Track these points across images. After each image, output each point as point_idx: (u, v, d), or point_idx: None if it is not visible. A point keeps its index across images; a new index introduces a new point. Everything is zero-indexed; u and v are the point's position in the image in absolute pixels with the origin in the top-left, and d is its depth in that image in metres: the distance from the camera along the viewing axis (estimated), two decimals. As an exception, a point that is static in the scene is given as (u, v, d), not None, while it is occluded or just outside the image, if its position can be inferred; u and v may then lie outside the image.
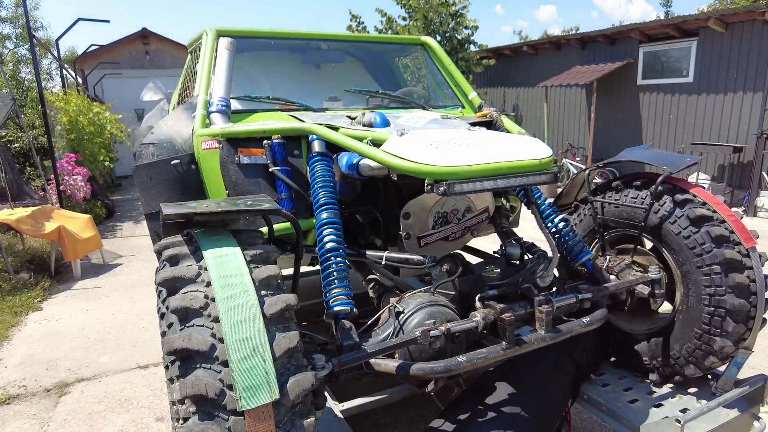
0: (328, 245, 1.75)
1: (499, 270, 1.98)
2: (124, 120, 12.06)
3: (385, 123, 2.10)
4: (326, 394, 2.25)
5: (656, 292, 2.14)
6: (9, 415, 3.20)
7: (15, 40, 16.59)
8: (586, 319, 1.84)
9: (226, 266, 1.25)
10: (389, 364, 1.53)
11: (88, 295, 5.41)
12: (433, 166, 1.58)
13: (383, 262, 1.95)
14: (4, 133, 9.59)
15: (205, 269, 1.27)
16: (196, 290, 1.23)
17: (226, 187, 2.11)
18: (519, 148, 1.79)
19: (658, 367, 2.22)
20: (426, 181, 1.58)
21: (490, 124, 2.40)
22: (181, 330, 1.16)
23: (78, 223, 6.29)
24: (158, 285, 1.31)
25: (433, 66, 3.34)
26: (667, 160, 2.19)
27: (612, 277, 2.21)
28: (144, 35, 17.67)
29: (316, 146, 2.04)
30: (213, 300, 1.20)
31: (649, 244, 2.31)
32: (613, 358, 2.50)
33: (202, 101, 2.37)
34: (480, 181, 1.61)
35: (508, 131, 2.35)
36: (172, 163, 2.22)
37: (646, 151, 2.35)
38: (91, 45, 13.49)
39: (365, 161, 1.87)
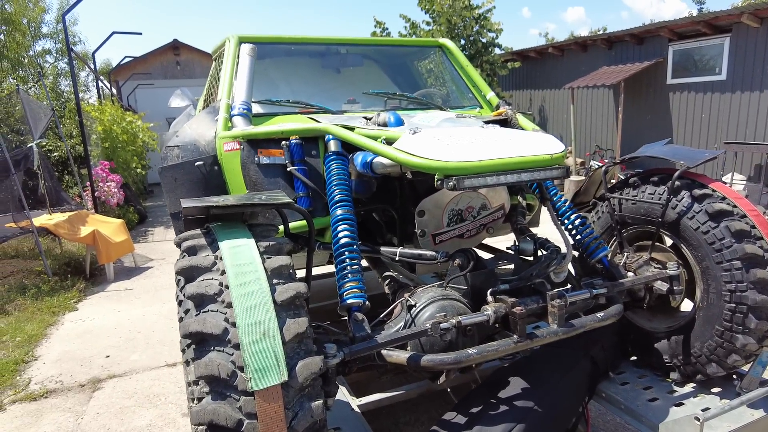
0: (342, 240, 1.80)
1: (512, 266, 1.99)
2: (155, 128, 12.49)
3: (399, 122, 2.14)
4: (344, 389, 2.29)
5: (675, 288, 2.10)
6: (46, 408, 3.36)
7: (55, 54, 17.38)
8: (600, 315, 1.83)
9: (240, 256, 1.31)
10: (400, 356, 1.56)
11: (120, 297, 5.62)
12: (442, 161, 1.61)
13: (397, 258, 1.98)
14: (44, 143, 10.04)
15: (221, 259, 1.33)
16: (212, 278, 1.30)
17: (247, 187, 2.19)
18: (530, 143, 1.80)
19: (679, 366, 2.18)
20: (436, 176, 1.61)
21: (504, 122, 2.41)
22: (196, 315, 1.23)
23: (111, 228, 6.54)
24: (176, 274, 1.39)
25: (450, 67, 3.37)
26: (685, 155, 2.15)
27: (629, 274, 2.19)
28: (175, 46, 18.24)
29: (332, 146, 2.10)
30: (227, 287, 1.26)
31: (669, 241, 2.28)
32: (633, 357, 2.46)
33: (224, 105, 2.46)
34: (489, 176, 1.63)
35: (522, 128, 2.36)
36: (196, 164, 2.31)
37: (663, 146, 2.32)
38: (125, 57, 14.02)
39: (379, 159, 1.92)
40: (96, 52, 10.61)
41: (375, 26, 12.99)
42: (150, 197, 14.24)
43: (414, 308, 1.70)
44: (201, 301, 1.27)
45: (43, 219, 6.15)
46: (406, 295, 1.80)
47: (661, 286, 2.13)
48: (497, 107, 3.03)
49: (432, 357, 1.54)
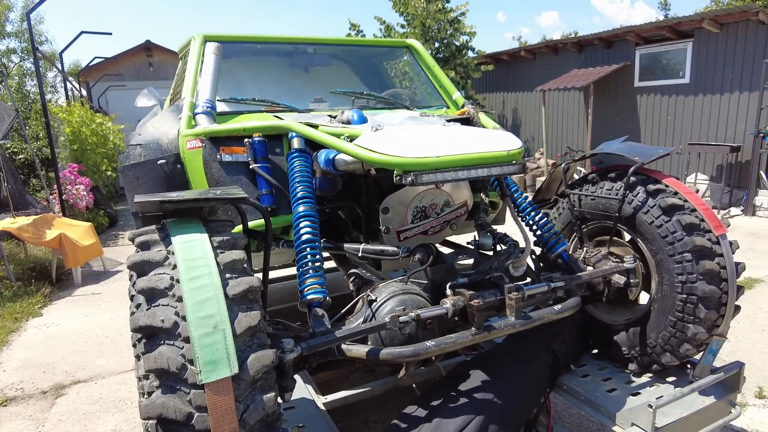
0: (304, 237, 1.80)
1: (471, 260, 2.02)
2: (126, 130, 12.24)
3: (363, 120, 2.16)
4: (310, 387, 2.29)
5: (631, 281, 2.17)
6: (5, 417, 3.26)
7: (21, 54, 16.87)
8: (557, 307, 1.88)
9: (192, 250, 1.31)
10: (359, 350, 1.57)
11: (87, 301, 5.49)
12: (401, 157, 1.63)
13: (359, 254, 1.99)
14: (8, 145, 9.74)
15: (173, 253, 1.33)
16: (163, 272, 1.29)
17: (209, 185, 2.17)
18: (489, 140, 1.84)
19: (637, 357, 2.25)
20: (395, 172, 1.63)
21: (467, 121, 2.45)
22: (147, 309, 1.22)
23: (79, 231, 6.38)
24: (129, 269, 1.38)
25: (418, 67, 3.41)
26: (640, 152, 2.23)
27: (588, 268, 2.25)
28: (148, 47, 17.95)
29: (295, 143, 2.10)
30: (178, 281, 1.25)
31: (627, 237, 2.35)
32: (594, 350, 2.52)
33: (188, 103, 2.44)
34: (446, 172, 1.66)
35: (483, 127, 2.40)
36: (159, 162, 2.28)
37: (621, 144, 2.40)
38: (95, 58, 13.71)
39: (341, 156, 1.93)
40: (63, 52, 10.35)
41: (350, 28, 13.01)
42: (122, 200, 13.94)
43: (375, 303, 1.71)
44: (152, 296, 1.26)
45: (5, 223, 5.97)
46: (368, 290, 1.81)
47: (619, 280, 2.19)
48: (462, 106, 3.08)
49: (390, 350, 1.56)
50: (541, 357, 2.10)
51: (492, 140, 1.85)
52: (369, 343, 1.70)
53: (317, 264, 1.76)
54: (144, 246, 1.41)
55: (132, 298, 1.32)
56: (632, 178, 2.18)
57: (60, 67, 10.10)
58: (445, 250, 2.31)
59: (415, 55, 3.43)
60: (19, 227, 5.73)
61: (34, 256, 6.81)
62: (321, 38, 3.26)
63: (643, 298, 2.35)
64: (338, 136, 2.00)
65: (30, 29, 7.76)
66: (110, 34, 10.51)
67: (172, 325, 1.18)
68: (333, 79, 3.44)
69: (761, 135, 8.15)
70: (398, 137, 1.78)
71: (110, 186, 12.40)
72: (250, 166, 2.13)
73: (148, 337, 1.20)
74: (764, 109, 8.22)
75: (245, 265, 1.37)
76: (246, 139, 2.16)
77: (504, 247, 2.02)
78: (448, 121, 2.36)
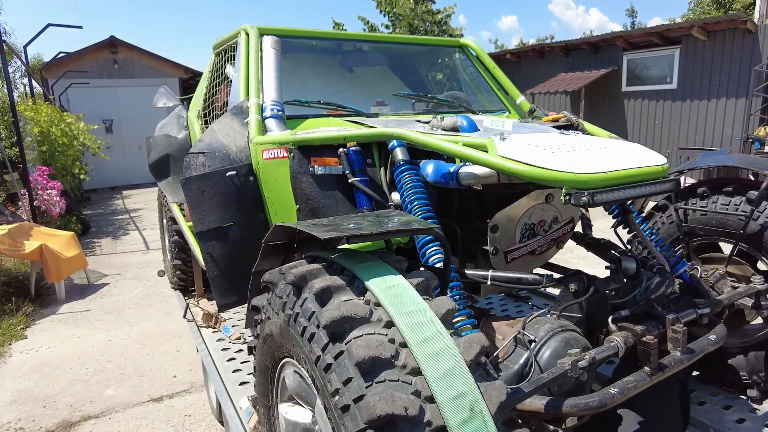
0: (438, 266, 1.53)
1: (617, 287, 1.80)
2: (94, 131, 11.47)
3: (474, 127, 1.90)
4: None
5: (762, 303, 1.99)
6: (9, 464, 2.81)
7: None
8: (712, 337, 1.68)
9: (403, 301, 1.00)
10: (535, 403, 1.31)
11: (77, 320, 4.97)
12: (569, 173, 1.39)
13: (488, 282, 1.73)
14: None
15: (377, 305, 1.02)
16: (374, 332, 0.97)
17: (297, 201, 1.87)
18: (638, 154, 1.63)
19: (759, 383, 2.08)
20: (564, 190, 1.39)
21: (569, 128, 2.23)
22: (369, 387, 0.90)
23: (60, 241, 5.82)
24: (322, 328, 1.04)
25: (473, 69, 3.17)
26: (763, 164, 2.06)
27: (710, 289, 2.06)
28: (112, 43, 17.01)
29: (399, 154, 1.83)
30: (403, 345, 0.95)
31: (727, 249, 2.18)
32: (696, 372, 2.35)
33: (254, 105, 2.11)
34: (618, 190, 1.43)
35: (593, 135, 2.18)
36: (228, 174, 1.95)
37: (732, 155, 2.23)
38: (60, 53, 12.83)
39: (469, 169, 1.67)
40: (28, 45, 9.57)
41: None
42: (88, 205, 13.12)
43: (534, 343, 1.46)
44: (371, 368, 0.94)
45: (-22, 233, 5.36)
46: (516, 327, 1.55)
47: (746, 301, 2.02)
48: (531, 112, 2.86)
49: (576, 402, 1.31)
50: (673, 388, 1.90)
51: (639, 154, 1.63)
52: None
53: (459, 298, 1.49)
54: (325, 295, 1.09)
55: (328, 368, 0.98)
56: (755, 193, 2.01)
57: (24, 60, 9.30)
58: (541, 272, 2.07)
59: (469, 55, 3.20)
60: (-6, 239, 5.15)
61: (6, 269, 6.17)
62: (369, 35, 2.98)
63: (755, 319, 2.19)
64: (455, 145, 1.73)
65: (-4, 19, 7.05)
66: (80, 27, 9.78)
67: (418, 411, 0.88)
68: (375, 80, 3.16)
69: (749, 140, 8.37)
70: (540, 148, 1.54)
71: (76, 190, 11.60)
72: (349, 180, 1.84)
73: (382, 428, 0.88)
74: (752, 115, 8.44)
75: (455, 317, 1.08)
76: (341, 149, 1.87)
77: (654, 273, 1.80)
78: (557, 128, 2.13)
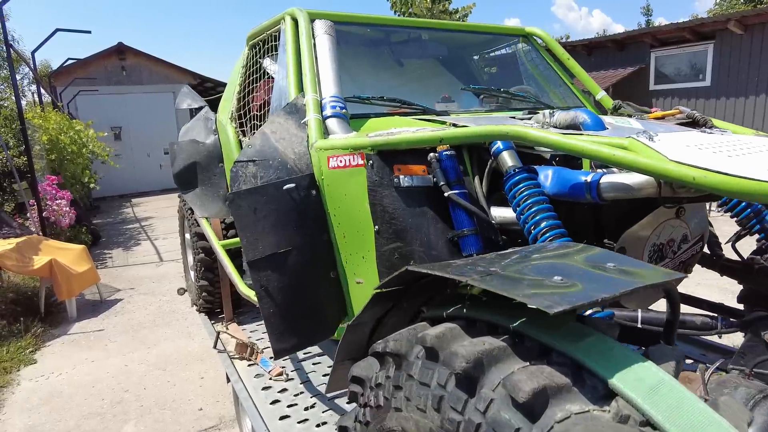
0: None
1: None
2: (102, 138, 11.17)
3: (599, 125, 1.49)
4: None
5: None
6: None
7: (-18, 55, 15.32)
8: None
9: (686, 414, 0.60)
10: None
11: (90, 342, 4.60)
12: None
13: (639, 324, 1.34)
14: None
15: (643, 425, 0.61)
16: None
17: (375, 221, 1.48)
18: None
19: None
20: None
21: (694, 125, 1.82)
22: None
23: (71, 255, 5.46)
24: None
25: (540, 60, 2.78)
26: None
27: None
28: (120, 50, 16.81)
29: (510, 159, 1.44)
30: None
31: None
32: None
33: (312, 102, 1.73)
34: None
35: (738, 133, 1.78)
36: (285, 188, 1.56)
37: None
38: (68, 59, 12.58)
39: (616, 179, 1.27)
40: (36, 51, 9.28)
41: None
42: (97, 214, 12.82)
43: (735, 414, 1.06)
44: None
45: (-17, 248, 5.01)
46: (698, 388, 1.15)
47: None
48: (616, 108, 2.46)
49: None
50: None
51: None
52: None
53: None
54: (538, 401, 0.67)
55: None
56: None
57: (32, 67, 9.01)
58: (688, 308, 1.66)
59: (536, 45, 2.81)
60: (0, 254, 4.79)
61: (14, 284, 5.83)
62: (432, 22, 2.59)
63: None
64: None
65: (2, 22, 6.76)
66: (89, 32, 9.47)
67: None
68: (426, 73, 2.77)
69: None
70: (721, 151, 1.15)
71: (85, 199, 11.29)
72: (446, 194, 1.44)
73: None
74: (796, 112, 7.99)
75: None
76: (431, 155, 1.48)
77: None
78: (680, 125, 1.73)
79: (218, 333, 2.72)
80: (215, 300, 3.20)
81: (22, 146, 8.55)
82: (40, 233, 6.37)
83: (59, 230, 7.54)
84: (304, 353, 2.67)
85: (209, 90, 21.67)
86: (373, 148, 1.49)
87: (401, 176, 1.46)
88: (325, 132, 1.68)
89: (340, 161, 1.54)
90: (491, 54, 3.02)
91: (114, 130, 16.46)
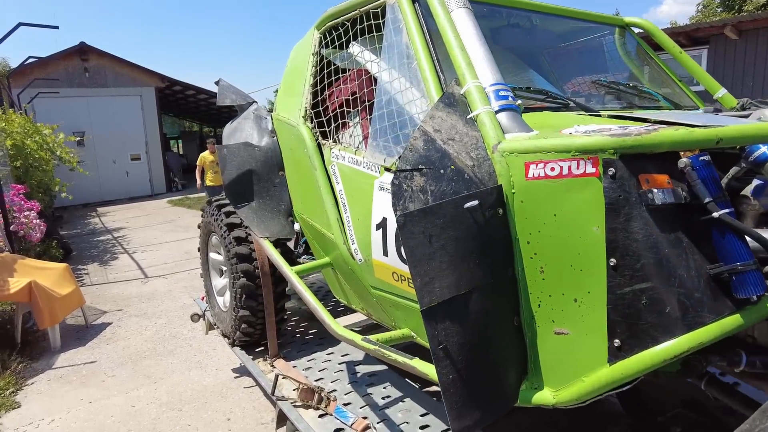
0: None
1: None
2: (67, 144, 10.29)
3: None
4: None
5: None
6: None
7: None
8: None
9: None
10: None
11: (82, 377, 3.97)
12: None
13: None
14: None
15: None
16: None
17: (612, 253, 1.08)
18: None
19: None
20: None
21: None
22: None
23: (52, 276, 4.79)
24: None
25: (640, 54, 2.46)
26: None
27: None
28: (82, 50, 15.82)
29: None
30: None
31: None
32: None
33: (477, 91, 1.31)
34: None
35: None
36: (467, 206, 1.14)
37: None
38: (29, 57, 11.59)
39: None
40: (-4, 47, 8.41)
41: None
42: (62, 225, 11.87)
43: None
44: None
45: (-51, 270, 4.31)
46: None
47: None
48: (743, 107, 2.16)
49: None
50: None
51: None
52: None
53: None
54: None
55: None
56: None
57: (-6, 66, 8.11)
58: None
59: (635, 37, 2.49)
60: (-28, 277, 4.11)
61: (-19, 310, 5.10)
62: (538, 4, 2.22)
63: None
64: None
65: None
66: (56, 27, 8.63)
67: None
68: (528, 60, 2.40)
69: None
70: None
71: (47, 209, 10.35)
72: (716, 214, 1.06)
73: None
74: (793, 116, 8.07)
75: None
76: (683, 160, 1.09)
77: None
78: None
79: (277, 377, 2.24)
80: (256, 332, 2.71)
81: (-18, 152, 7.68)
82: (9, 251, 5.62)
83: (28, 245, 6.76)
84: (385, 397, 2.23)
85: (178, 93, 20.72)
86: (615, 151, 1.08)
87: (653, 190, 1.06)
88: (503, 131, 1.27)
89: (550, 169, 1.13)
90: (576, 43, 2.68)
91: (77, 135, 15.41)
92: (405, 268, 1.57)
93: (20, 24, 8.77)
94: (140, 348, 4.45)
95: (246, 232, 2.54)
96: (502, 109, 1.31)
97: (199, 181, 9.06)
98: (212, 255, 3.06)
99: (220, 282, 3.03)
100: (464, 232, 1.14)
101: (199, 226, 3.17)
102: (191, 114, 29.15)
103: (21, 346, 4.48)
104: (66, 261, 7.98)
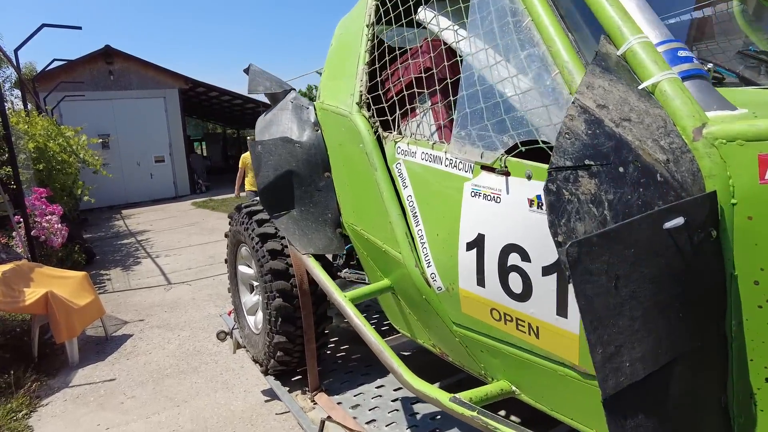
0: None
1: None
2: (92, 146, 10.13)
3: None
4: None
5: None
6: None
7: (-43, 56, 14.01)
8: None
9: None
10: None
11: (100, 397, 3.64)
12: None
13: None
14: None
15: None
16: None
17: None
18: None
19: None
20: None
21: None
22: None
23: (70, 285, 4.50)
24: None
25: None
26: None
27: None
28: (107, 53, 15.79)
29: None
30: None
31: None
32: None
33: (647, 50, 0.89)
34: None
35: None
36: (668, 226, 0.71)
37: None
38: (54, 60, 11.52)
39: None
40: (20, 48, 8.27)
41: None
42: (86, 227, 11.76)
43: None
44: None
45: (-38, 280, 4.04)
46: None
47: None
48: None
49: None
50: None
51: None
52: None
53: None
54: None
55: None
56: None
57: (15, 64, 7.98)
58: None
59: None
60: (-16, 288, 3.82)
61: (-1, 319, 4.84)
62: None
63: None
64: None
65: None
66: (79, 28, 8.49)
67: None
68: None
69: None
70: None
71: (72, 212, 10.21)
72: None
73: None
74: None
75: None
76: None
77: None
78: None
79: (323, 421, 1.83)
80: (293, 360, 2.32)
81: (5, 155, 7.52)
82: (29, 257, 5.37)
83: (50, 251, 6.54)
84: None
85: (201, 95, 20.65)
86: None
87: None
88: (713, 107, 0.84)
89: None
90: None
91: (103, 138, 15.35)
92: (513, 305, 1.15)
93: (44, 25, 8.63)
94: (162, 364, 4.11)
95: (282, 244, 2.14)
96: (687, 76, 0.88)
97: (237, 187, 7.56)
98: (241, 268, 2.68)
99: (250, 299, 2.64)
100: (665, 269, 0.71)
101: (226, 235, 2.79)
102: (215, 116, 29.17)
103: (38, 360, 4.19)
104: (89, 266, 7.77)
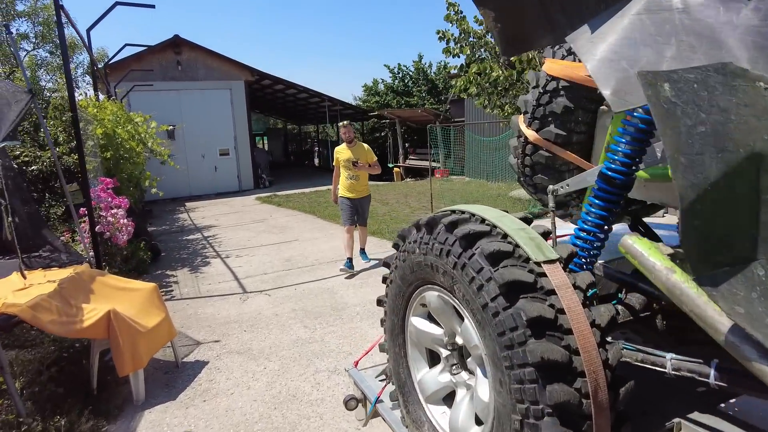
0: None
1: None
2: (159, 135, 9.54)
3: None
4: None
5: None
6: None
7: (34, 41, 13.94)
8: None
9: None
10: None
11: (173, 464, 2.69)
12: None
13: None
14: (17, 148, 7.00)
15: None
16: None
17: None
18: None
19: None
20: None
21: None
22: None
23: (136, 301, 3.62)
24: None
25: None
26: None
27: None
28: (176, 43, 15.45)
29: None
30: None
31: None
32: None
33: None
34: None
35: None
36: None
37: None
38: (125, 45, 11.07)
39: None
40: (92, 28, 7.70)
41: (447, 8, 10.38)
42: (151, 220, 11.26)
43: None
44: None
45: (8, 292, 3.21)
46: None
47: None
48: None
49: None
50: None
51: None
52: None
53: None
54: None
55: None
56: None
57: (87, 44, 7.39)
58: None
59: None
60: (34, 305, 2.95)
61: (52, 339, 4.02)
62: None
63: None
64: None
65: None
66: (153, 6, 7.88)
67: None
68: None
69: None
70: None
71: (137, 204, 9.64)
72: None
73: None
74: None
75: None
76: None
77: None
78: None
79: None
80: None
81: (73, 142, 6.93)
82: (93, 260, 4.58)
83: (115, 249, 5.80)
84: None
85: (266, 88, 20.16)
86: None
87: None
88: None
89: None
90: None
91: (170, 127, 14.97)
92: None
93: (117, 3, 8.04)
94: (249, 414, 3.13)
95: (555, 308, 1.04)
96: None
97: (333, 191, 6.46)
98: (419, 323, 1.58)
99: (432, 379, 1.55)
100: None
101: (386, 264, 1.71)
102: (277, 111, 28.85)
103: (97, 392, 3.32)
104: (153, 264, 7.06)
